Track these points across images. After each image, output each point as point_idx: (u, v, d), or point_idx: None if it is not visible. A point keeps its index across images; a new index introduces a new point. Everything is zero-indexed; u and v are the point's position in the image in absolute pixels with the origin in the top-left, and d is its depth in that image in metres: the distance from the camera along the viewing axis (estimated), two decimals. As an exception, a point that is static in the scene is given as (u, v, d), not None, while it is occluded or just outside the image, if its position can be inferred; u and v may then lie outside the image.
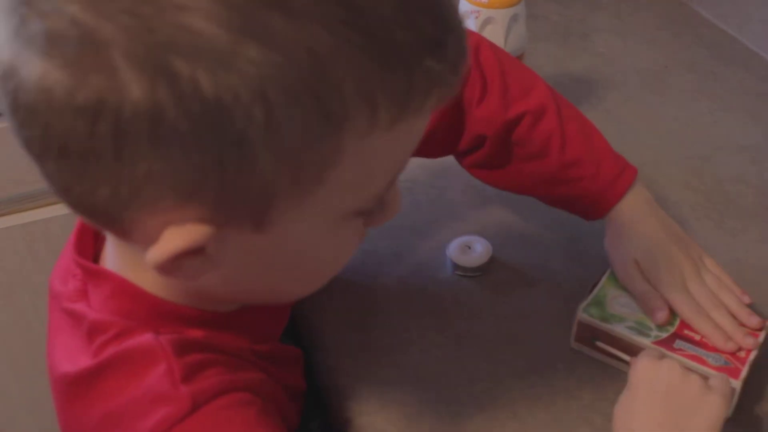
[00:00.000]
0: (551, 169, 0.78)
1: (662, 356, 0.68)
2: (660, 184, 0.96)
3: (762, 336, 0.73)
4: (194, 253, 0.47)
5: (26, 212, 1.16)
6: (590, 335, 0.75)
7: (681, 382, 0.65)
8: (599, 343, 0.75)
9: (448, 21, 0.46)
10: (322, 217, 0.50)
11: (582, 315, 0.74)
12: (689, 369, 0.67)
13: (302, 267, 0.55)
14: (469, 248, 0.85)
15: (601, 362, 0.75)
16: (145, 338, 0.53)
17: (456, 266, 0.84)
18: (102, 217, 0.47)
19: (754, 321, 0.74)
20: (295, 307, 0.77)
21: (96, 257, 0.60)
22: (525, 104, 0.77)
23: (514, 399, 0.73)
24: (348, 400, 0.73)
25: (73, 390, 0.55)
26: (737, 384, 0.70)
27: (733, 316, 0.75)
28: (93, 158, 0.42)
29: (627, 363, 0.71)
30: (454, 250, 0.85)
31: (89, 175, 0.43)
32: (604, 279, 0.78)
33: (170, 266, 0.47)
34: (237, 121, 0.41)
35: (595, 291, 0.77)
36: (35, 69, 0.41)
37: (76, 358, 0.55)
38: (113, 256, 0.57)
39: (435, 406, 0.72)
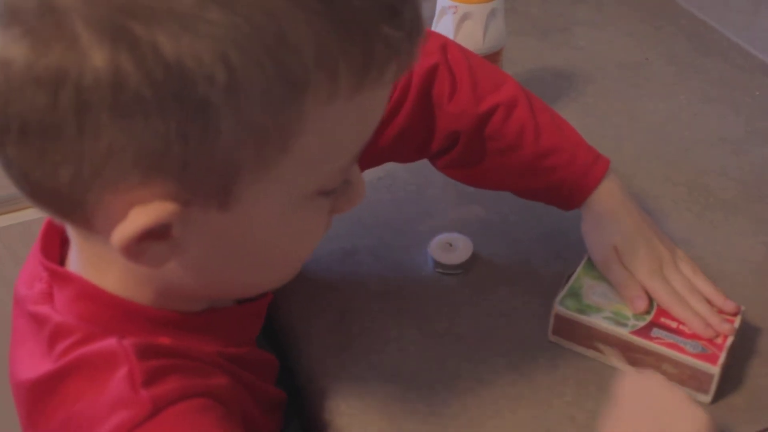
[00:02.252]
0: (526, 160, 0.78)
1: (644, 372, 0.68)
2: (640, 177, 0.96)
3: (737, 321, 0.74)
4: (160, 236, 0.46)
5: (4, 216, 1.15)
6: (568, 328, 0.75)
7: (666, 397, 0.64)
8: (577, 337, 0.75)
9: None
10: (287, 193, 0.50)
11: (559, 308, 0.74)
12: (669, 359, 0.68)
13: (268, 251, 0.54)
14: (450, 246, 0.85)
15: (583, 358, 0.75)
16: (107, 342, 0.52)
17: (437, 264, 0.84)
18: (64, 203, 0.46)
19: (730, 306, 0.75)
20: (272, 307, 0.77)
21: (63, 260, 0.59)
22: (496, 97, 0.77)
23: (496, 397, 0.73)
24: (328, 401, 0.72)
25: (34, 396, 0.54)
26: (716, 370, 0.70)
27: (710, 303, 0.75)
28: (54, 135, 0.42)
29: (604, 354, 0.73)
30: (435, 247, 0.85)
31: (50, 155, 0.43)
32: (579, 270, 0.78)
33: (135, 249, 0.47)
34: (199, 85, 0.41)
35: (571, 282, 0.77)
36: None
37: (37, 364, 0.54)
38: (77, 258, 0.56)
39: (416, 405, 0.72)
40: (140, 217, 0.45)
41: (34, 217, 1.14)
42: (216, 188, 0.46)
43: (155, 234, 0.46)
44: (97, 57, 0.40)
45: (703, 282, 0.77)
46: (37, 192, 0.46)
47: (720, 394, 0.72)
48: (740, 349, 0.76)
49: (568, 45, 1.22)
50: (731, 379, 0.74)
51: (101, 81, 0.40)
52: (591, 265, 0.78)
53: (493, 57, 0.98)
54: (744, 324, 0.77)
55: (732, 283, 0.81)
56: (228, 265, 0.54)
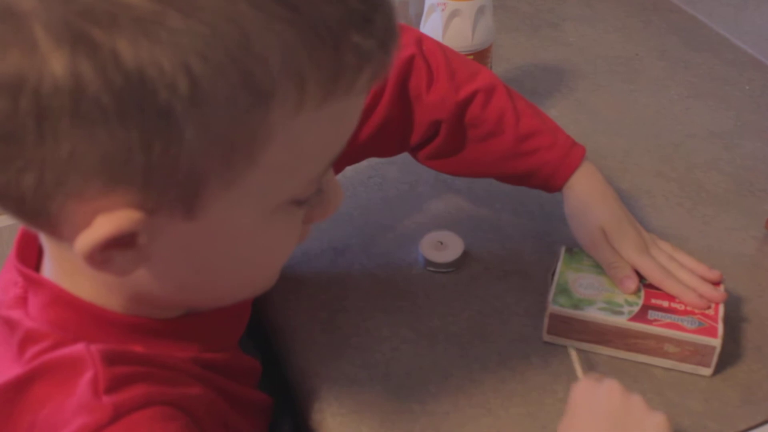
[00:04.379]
0: (508, 144, 0.78)
1: (600, 379, 0.66)
2: (632, 172, 0.96)
3: (722, 288, 0.75)
4: (125, 244, 0.46)
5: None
6: (563, 325, 0.74)
7: (621, 404, 0.63)
8: (574, 332, 0.75)
9: None
10: (256, 204, 0.49)
11: (553, 307, 0.74)
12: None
13: (238, 261, 0.53)
14: (441, 244, 0.85)
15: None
16: (75, 347, 0.52)
17: (428, 262, 0.83)
18: (30, 211, 0.45)
19: (714, 274, 0.76)
20: (262, 306, 0.77)
21: (38, 266, 0.58)
22: (474, 84, 0.78)
23: (488, 395, 0.72)
24: (319, 401, 0.72)
25: (2, 400, 0.53)
26: (717, 342, 0.71)
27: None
28: (16, 141, 0.41)
29: (601, 345, 0.73)
30: (425, 245, 0.84)
31: (13, 162, 0.42)
32: (559, 265, 0.78)
33: (100, 258, 0.46)
34: (160, 94, 0.40)
35: (556, 279, 0.76)
36: None
37: (5, 369, 0.53)
38: (50, 264, 0.55)
39: (408, 404, 0.72)
40: (103, 225, 0.44)
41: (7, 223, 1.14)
42: (181, 197, 0.45)
43: (121, 242, 0.45)
44: (56, 63, 0.39)
45: (684, 256, 0.78)
46: (3, 198, 0.45)
47: (715, 390, 0.72)
48: (734, 344, 0.76)
49: (558, 41, 1.21)
50: (726, 374, 0.73)
51: (60, 87, 0.39)
52: (569, 258, 0.79)
53: (483, 54, 0.97)
54: (737, 318, 0.77)
55: (724, 277, 0.81)
56: (197, 275, 0.53)
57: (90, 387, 0.50)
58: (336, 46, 0.43)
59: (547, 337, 0.76)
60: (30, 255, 0.58)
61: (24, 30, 0.39)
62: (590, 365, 0.74)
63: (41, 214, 0.45)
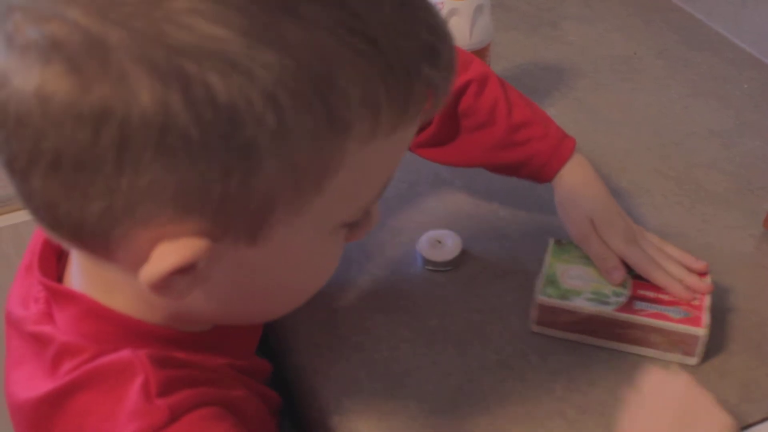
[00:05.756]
0: (500, 134, 0.79)
1: (674, 372, 0.68)
2: (631, 170, 0.96)
3: (708, 279, 0.76)
4: (186, 270, 0.45)
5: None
6: (551, 316, 0.75)
7: (694, 395, 0.65)
8: (562, 323, 0.75)
9: (441, 29, 0.47)
10: (315, 229, 0.49)
11: (541, 297, 0.74)
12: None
13: (289, 283, 0.54)
14: (439, 243, 0.85)
15: (572, 354, 0.75)
16: (122, 354, 0.51)
17: (426, 261, 0.83)
18: (87, 236, 0.45)
19: (701, 265, 0.77)
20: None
21: (59, 278, 0.58)
22: (468, 74, 0.78)
23: (486, 394, 0.72)
24: (318, 399, 0.72)
25: (38, 414, 0.53)
26: (702, 332, 0.71)
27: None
28: (90, 170, 0.41)
29: (588, 336, 0.74)
30: (424, 244, 0.84)
31: (82, 189, 0.42)
32: (548, 257, 0.78)
33: (162, 284, 0.45)
34: (248, 126, 0.40)
35: (544, 270, 0.77)
36: (32, 77, 0.40)
37: (39, 384, 0.53)
38: (81, 276, 0.55)
39: (407, 402, 0.72)
40: (169, 254, 0.44)
41: (23, 219, 1.14)
42: (249, 225, 0.45)
43: (183, 269, 0.45)
44: (145, 95, 0.39)
45: (671, 247, 0.79)
46: (61, 223, 0.44)
47: (713, 388, 0.72)
48: (733, 342, 0.76)
49: (557, 40, 1.21)
50: (724, 372, 0.73)
51: (148, 120, 0.39)
52: (558, 250, 0.79)
53: (481, 53, 0.97)
54: (735, 316, 0.77)
55: (723, 276, 0.81)
56: (250, 296, 0.53)
57: (142, 391, 0.50)
58: (409, 78, 0.44)
59: (535, 328, 0.77)
60: (51, 267, 0.58)
61: (112, 62, 0.39)
62: (589, 362, 0.74)
63: (98, 239, 0.45)
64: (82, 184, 0.41)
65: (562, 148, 0.79)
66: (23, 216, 1.15)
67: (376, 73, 0.43)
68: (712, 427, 0.62)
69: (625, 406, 0.66)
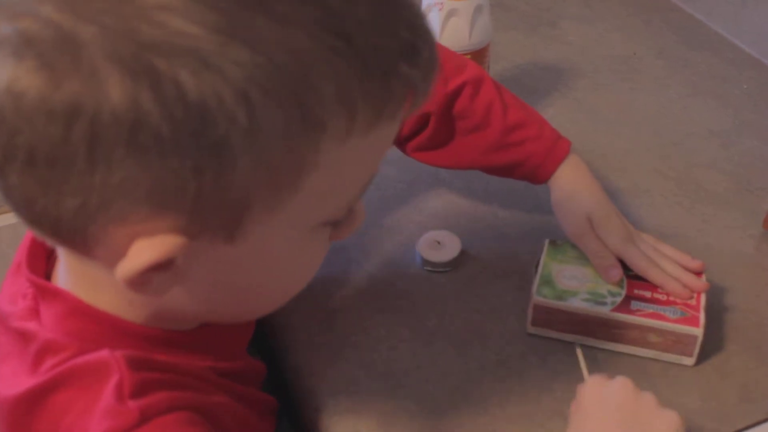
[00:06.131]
0: (495, 135, 0.79)
1: (610, 378, 0.66)
2: (631, 170, 0.96)
3: (704, 278, 0.76)
4: (163, 266, 0.45)
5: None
6: (547, 316, 0.75)
7: (635, 399, 0.63)
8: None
9: (420, 27, 0.46)
10: (295, 227, 0.49)
11: (537, 297, 0.74)
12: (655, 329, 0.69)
13: (270, 281, 0.54)
14: (439, 243, 0.84)
15: (573, 354, 0.75)
16: (99, 353, 0.51)
17: (425, 262, 0.83)
18: (65, 232, 0.45)
19: (696, 264, 0.77)
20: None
21: (48, 276, 0.58)
22: (462, 76, 0.79)
23: (486, 394, 0.72)
24: (317, 400, 0.72)
25: (18, 411, 0.52)
26: (699, 332, 0.71)
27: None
28: (63, 166, 0.41)
29: (584, 336, 0.74)
30: (423, 245, 0.84)
31: (56, 185, 0.42)
32: (543, 257, 0.78)
33: (139, 281, 0.45)
34: (219, 124, 0.40)
35: (539, 270, 0.77)
36: (4, 73, 0.40)
37: (21, 380, 0.53)
38: (67, 275, 0.55)
39: (406, 403, 0.72)
40: (146, 251, 0.44)
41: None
42: (225, 223, 0.45)
43: (159, 266, 0.45)
44: (115, 92, 0.39)
45: (666, 247, 0.79)
46: (39, 220, 0.45)
47: (713, 389, 0.72)
48: (732, 342, 0.76)
49: (557, 40, 1.21)
50: (724, 373, 0.73)
51: (119, 116, 0.39)
52: (553, 250, 0.79)
53: (480, 53, 0.97)
54: (735, 316, 0.77)
55: (723, 276, 0.81)
56: (231, 294, 0.53)
57: (115, 392, 0.50)
58: (385, 76, 0.44)
59: (531, 329, 0.77)
60: (40, 265, 0.58)
61: (83, 58, 0.39)
62: (589, 362, 0.74)
63: (76, 235, 0.45)
64: (56, 180, 0.42)
65: (557, 148, 0.80)
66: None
67: (351, 71, 0.42)
68: (660, 425, 0.61)
69: (569, 422, 0.65)
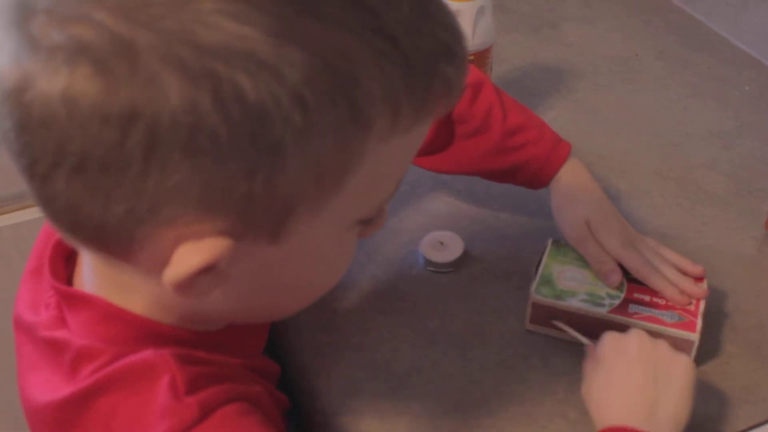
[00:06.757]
0: (495, 139, 0.80)
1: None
2: (631, 172, 0.96)
3: (705, 284, 0.76)
4: (209, 269, 0.45)
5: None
6: (546, 315, 0.75)
7: (652, 348, 0.67)
8: (555, 322, 0.75)
9: (454, 27, 0.47)
10: (334, 226, 0.50)
11: (535, 296, 0.75)
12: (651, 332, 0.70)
13: (306, 280, 0.54)
14: (441, 244, 0.85)
15: (575, 355, 0.75)
16: (144, 354, 0.51)
17: (428, 262, 0.84)
18: (107, 237, 0.44)
19: (697, 269, 0.77)
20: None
21: (69, 281, 0.58)
22: None
23: (488, 395, 0.73)
24: (319, 400, 0.72)
25: (61, 417, 0.52)
26: (695, 337, 0.72)
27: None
28: (116, 172, 0.41)
29: (581, 336, 0.73)
30: (425, 246, 0.84)
31: (106, 191, 0.41)
32: (545, 257, 0.79)
33: (186, 284, 0.45)
34: (276, 125, 0.40)
35: (540, 270, 0.77)
36: (59, 80, 0.39)
37: (57, 388, 0.52)
38: (94, 279, 0.54)
39: (408, 403, 0.72)
40: (193, 254, 0.44)
41: (23, 219, 1.14)
42: (271, 224, 0.45)
43: (207, 269, 0.45)
44: (174, 96, 0.39)
45: (668, 251, 0.79)
46: (81, 226, 0.44)
47: (714, 390, 0.72)
48: (733, 344, 0.76)
49: (558, 41, 1.22)
50: (725, 374, 0.74)
51: (177, 120, 0.39)
52: (555, 250, 0.80)
53: (483, 54, 0.97)
54: (736, 318, 0.77)
55: (723, 278, 0.81)
56: (266, 294, 0.53)
57: (170, 390, 0.49)
58: (426, 76, 0.45)
59: (529, 326, 0.77)
60: (60, 270, 0.58)
61: (140, 64, 0.39)
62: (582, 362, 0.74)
63: (120, 240, 0.44)
64: (106, 185, 0.41)
65: (557, 151, 0.80)
66: (23, 216, 1.16)
67: (397, 70, 0.43)
68: (678, 370, 0.65)
69: (586, 380, 0.67)
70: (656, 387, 0.64)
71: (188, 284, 0.46)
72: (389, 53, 0.43)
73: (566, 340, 0.76)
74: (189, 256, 0.44)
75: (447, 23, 0.46)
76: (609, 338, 0.68)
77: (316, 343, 0.77)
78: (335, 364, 0.75)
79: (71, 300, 0.55)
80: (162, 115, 0.39)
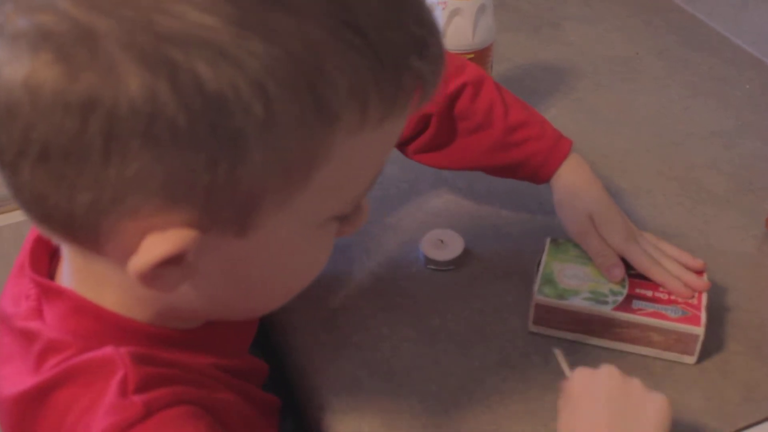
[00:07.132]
0: (497, 136, 0.80)
1: (596, 368, 0.66)
2: (632, 171, 0.96)
3: (705, 277, 0.77)
4: (174, 261, 0.45)
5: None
6: (549, 315, 0.75)
7: (623, 386, 0.63)
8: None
9: (428, 21, 0.47)
10: (304, 222, 0.49)
11: (538, 297, 0.75)
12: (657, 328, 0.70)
13: (278, 276, 0.54)
14: (442, 242, 0.85)
15: (575, 353, 0.75)
16: (103, 350, 0.51)
17: (428, 260, 0.84)
18: (76, 228, 0.45)
19: (697, 263, 0.77)
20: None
21: (51, 276, 0.58)
22: (463, 77, 0.79)
23: (488, 393, 0.72)
24: (320, 398, 0.72)
25: (21, 409, 0.52)
26: (700, 330, 0.72)
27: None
28: (78, 160, 0.41)
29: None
30: (426, 244, 0.84)
31: (69, 180, 0.42)
32: (545, 256, 0.79)
33: (150, 275, 0.45)
34: (236, 116, 0.40)
35: (541, 269, 0.77)
36: (21, 67, 0.40)
37: (24, 379, 0.53)
38: (71, 274, 0.55)
39: (409, 402, 0.72)
40: (158, 244, 0.44)
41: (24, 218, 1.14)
42: (237, 216, 0.45)
43: (171, 260, 0.45)
44: (133, 84, 0.39)
45: (667, 246, 0.79)
46: (50, 216, 0.44)
47: (715, 388, 0.72)
48: (735, 342, 0.76)
49: (558, 40, 1.22)
50: (726, 372, 0.74)
51: (136, 108, 0.39)
52: (554, 249, 0.80)
53: (484, 53, 0.97)
54: (737, 316, 0.77)
55: (724, 277, 0.81)
56: (239, 290, 0.53)
57: (119, 387, 0.49)
58: (397, 70, 0.44)
59: (533, 328, 0.77)
60: (43, 265, 0.58)
61: (100, 51, 0.39)
62: (591, 361, 0.74)
63: (88, 231, 0.45)
64: (70, 174, 0.41)
65: (558, 147, 0.80)
66: (24, 215, 1.16)
67: (365, 64, 0.43)
68: (650, 408, 0.61)
69: (559, 414, 0.65)
70: (625, 425, 0.61)
71: (153, 275, 0.45)
72: (358, 46, 0.42)
73: (567, 339, 0.76)
74: (154, 246, 0.44)
75: (422, 18, 0.46)
76: (578, 375, 0.65)
77: (316, 341, 0.77)
78: (335, 362, 0.75)
79: (47, 292, 0.55)
80: (121, 103, 0.39)
